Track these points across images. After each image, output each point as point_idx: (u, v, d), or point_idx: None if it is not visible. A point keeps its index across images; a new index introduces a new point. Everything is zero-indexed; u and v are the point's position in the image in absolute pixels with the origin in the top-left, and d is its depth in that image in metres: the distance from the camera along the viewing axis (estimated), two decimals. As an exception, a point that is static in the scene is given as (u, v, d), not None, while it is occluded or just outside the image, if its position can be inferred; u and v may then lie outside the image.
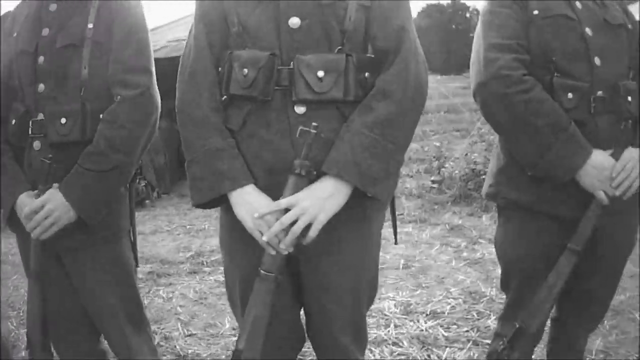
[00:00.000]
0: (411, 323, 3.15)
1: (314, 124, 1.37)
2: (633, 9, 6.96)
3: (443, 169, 7.03)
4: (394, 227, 1.73)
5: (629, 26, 1.81)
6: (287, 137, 1.42)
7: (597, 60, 1.69)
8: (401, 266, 4.17)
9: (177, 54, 5.93)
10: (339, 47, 1.45)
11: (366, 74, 1.46)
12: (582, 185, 1.64)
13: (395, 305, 3.39)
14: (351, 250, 1.53)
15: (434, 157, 7.64)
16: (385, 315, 3.27)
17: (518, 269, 1.83)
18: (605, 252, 1.77)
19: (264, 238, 1.38)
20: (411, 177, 7.82)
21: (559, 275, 1.66)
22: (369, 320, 3.22)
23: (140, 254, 4.81)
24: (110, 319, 1.85)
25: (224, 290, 2.05)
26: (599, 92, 1.69)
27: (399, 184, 7.65)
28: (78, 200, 1.66)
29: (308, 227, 1.38)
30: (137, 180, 1.85)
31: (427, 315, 3.26)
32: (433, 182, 6.92)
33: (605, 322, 2.98)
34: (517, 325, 1.71)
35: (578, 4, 1.75)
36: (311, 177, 1.39)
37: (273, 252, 1.40)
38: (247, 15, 1.48)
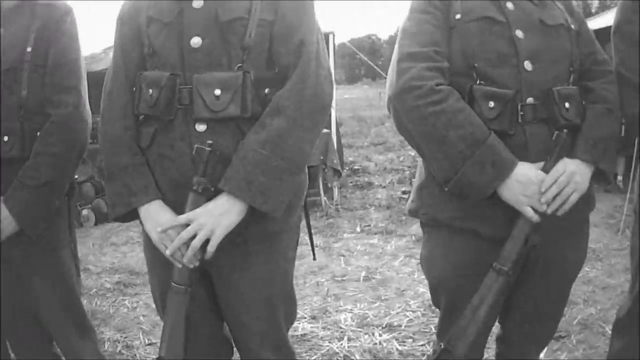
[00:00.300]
0: (366, 336, 3.21)
1: (209, 141, 1.45)
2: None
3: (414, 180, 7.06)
4: (311, 241, 1.84)
5: (572, 26, 1.70)
6: (188, 154, 1.49)
7: (527, 65, 1.58)
8: (362, 278, 4.23)
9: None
10: (239, 65, 1.50)
11: (266, 90, 1.52)
12: (506, 201, 1.53)
13: (351, 318, 3.46)
14: (259, 264, 1.60)
15: (408, 167, 7.74)
16: (341, 327, 3.34)
17: (444, 288, 1.73)
18: (551, 272, 1.68)
19: (167, 252, 1.48)
20: (384, 187, 7.85)
21: (483, 296, 1.55)
22: (324, 333, 3.30)
23: (111, 265, 4.90)
24: (55, 325, 1.98)
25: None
26: (529, 99, 1.57)
27: (370, 194, 7.66)
28: (19, 213, 1.76)
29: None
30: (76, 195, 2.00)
31: (383, 328, 3.32)
32: (404, 192, 6.95)
33: (572, 336, 3.01)
34: (442, 346, 1.62)
35: (510, 5, 1.63)
36: (208, 193, 1.46)
37: (179, 265, 1.50)
38: (155, 37, 1.56)
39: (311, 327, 3.42)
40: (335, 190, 6.72)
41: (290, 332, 3.33)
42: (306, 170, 1.65)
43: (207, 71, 1.49)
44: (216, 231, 1.45)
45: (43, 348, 2.06)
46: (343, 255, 4.85)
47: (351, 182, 8.14)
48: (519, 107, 1.56)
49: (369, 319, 3.45)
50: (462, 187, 1.53)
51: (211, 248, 1.46)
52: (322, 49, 1.58)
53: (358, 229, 5.69)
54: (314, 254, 1.87)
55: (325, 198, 6.50)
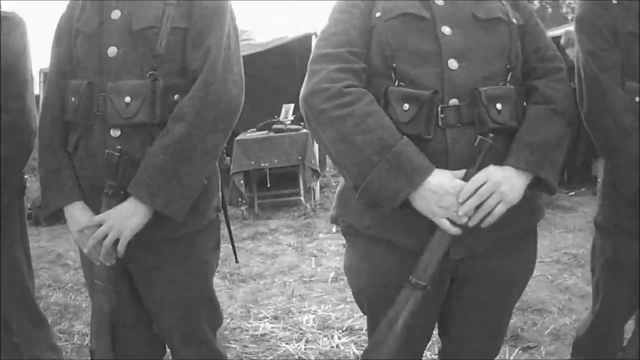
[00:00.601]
0: (325, 339, 3.17)
1: (118, 147, 1.53)
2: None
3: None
4: (232, 244, 1.90)
5: (514, 20, 1.57)
6: (104, 159, 1.55)
7: (452, 63, 1.45)
8: (330, 279, 4.19)
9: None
10: (151, 72, 1.57)
11: (175, 97, 1.58)
12: (420, 211, 1.41)
13: (313, 320, 3.43)
14: (173, 266, 1.67)
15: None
16: (301, 329, 3.31)
17: (365, 299, 1.66)
18: (488, 288, 1.59)
19: (85, 250, 1.59)
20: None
21: (399, 311, 1.45)
22: (283, 334, 3.28)
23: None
24: (11, 316, 2.16)
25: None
26: (452, 101, 1.44)
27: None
28: None
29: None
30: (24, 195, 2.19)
31: (343, 331, 3.28)
32: None
33: (542, 347, 2.97)
34: None
35: (439, 1, 1.53)
36: (119, 196, 1.55)
37: (97, 263, 1.60)
38: (80, 47, 1.63)
39: (272, 327, 3.40)
40: (317, 191, 6.68)
41: (250, 332, 3.37)
42: (218, 174, 1.74)
43: (122, 79, 1.57)
44: (124, 232, 1.53)
45: (5, 337, 2.21)
46: (315, 256, 4.82)
47: (335, 183, 8.10)
48: (439, 109, 1.43)
49: (330, 321, 3.42)
50: (371, 195, 1.43)
51: (120, 248, 1.55)
52: (234, 54, 1.62)
53: (334, 229, 5.65)
54: (235, 257, 1.95)
55: (302, 198, 6.47)
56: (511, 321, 3.27)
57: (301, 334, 3.25)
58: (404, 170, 1.38)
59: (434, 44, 1.47)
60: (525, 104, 1.54)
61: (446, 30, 1.48)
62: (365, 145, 1.39)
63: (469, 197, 1.38)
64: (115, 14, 1.60)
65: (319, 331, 3.28)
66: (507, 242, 1.54)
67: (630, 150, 1.64)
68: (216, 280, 4.34)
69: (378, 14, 1.51)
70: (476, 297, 1.60)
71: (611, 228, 1.85)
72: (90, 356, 1.66)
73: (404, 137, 1.40)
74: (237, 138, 6.17)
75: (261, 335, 3.31)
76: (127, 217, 1.53)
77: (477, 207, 1.39)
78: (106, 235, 1.53)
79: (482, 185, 1.38)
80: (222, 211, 1.80)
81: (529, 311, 3.45)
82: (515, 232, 1.55)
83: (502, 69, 1.50)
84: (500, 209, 1.40)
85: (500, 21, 1.53)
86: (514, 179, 1.42)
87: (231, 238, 1.91)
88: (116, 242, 1.54)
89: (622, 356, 1.81)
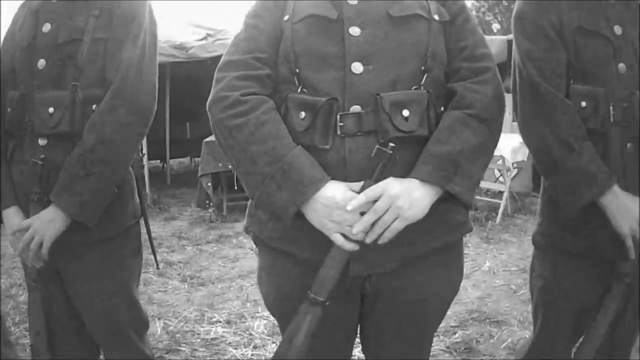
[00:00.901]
0: (273, 345, 3.12)
1: (42, 156, 1.62)
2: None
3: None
4: (153, 252, 1.96)
5: (436, 16, 1.44)
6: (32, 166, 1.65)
7: (355, 67, 1.35)
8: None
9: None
10: (73, 83, 1.64)
11: (93, 107, 1.64)
12: (314, 225, 1.34)
13: (265, 325, 3.37)
14: (92, 270, 1.74)
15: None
16: (251, 334, 3.27)
17: (273, 309, 1.58)
18: (403, 306, 1.48)
19: (16, 252, 1.68)
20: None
21: (298, 326, 1.36)
22: (233, 338, 3.25)
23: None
24: None
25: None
26: (354, 107, 1.34)
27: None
28: None
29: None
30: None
31: (294, 337, 3.23)
32: None
33: None
34: None
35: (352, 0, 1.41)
36: (44, 202, 1.63)
37: (29, 265, 1.69)
38: (18, 59, 1.72)
39: (223, 331, 3.36)
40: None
41: (202, 336, 3.32)
42: (132, 182, 1.79)
43: (48, 91, 1.65)
44: (46, 236, 1.61)
45: None
46: (277, 261, 4.73)
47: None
48: (338, 117, 1.34)
49: (281, 328, 3.36)
50: (265, 207, 1.36)
51: (44, 250, 1.63)
52: (148, 63, 1.68)
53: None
54: (157, 263, 2.05)
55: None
56: (466, 332, 3.30)
57: (250, 339, 3.21)
58: (295, 182, 1.30)
59: (339, 46, 1.37)
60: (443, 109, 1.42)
61: (354, 31, 1.37)
62: (259, 155, 1.33)
63: (363, 212, 1.28)
64: (46, 27, 1.68)
65: (268, 337, 3.23)
66: (418, 260, 1.43)
67: (572, 166, 1.54)
68: (176, 283, 4.29)
69: (286, 17, 1.44)
70: (387, 316, 1.50)
71: (550, 248, 1.74)
72: (31, 351, 1.76)
73: (298, 147, 1.33)
74: (206, 140, 6.06)
75: (212, 339, 3.27)
76: (49, 222, 1.62)
77: (375, 223, 1.29)
78: (33, 239, 1.62)
79: (378, 200, 1.28)
80: (143, 217, 1.86)
81: (486, 322, 3.43)
82: (427, 250, 1.43)
83: (415, 70, 1.38)
84: (397, 226, 1.29)
85: (419, 18, 1.42)
86: (415, 192, 1.30)
87: (151, 243, 1.97)
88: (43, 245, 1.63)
89: (575, 356, 1.63)
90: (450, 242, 1.48)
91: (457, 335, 3.24)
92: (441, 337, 3.20)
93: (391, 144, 1.28)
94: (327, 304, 1.34)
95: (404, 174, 1.31)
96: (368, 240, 1.29)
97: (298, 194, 1.30)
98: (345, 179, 1.32)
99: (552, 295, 1.75)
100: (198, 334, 3.35)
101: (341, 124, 1.33)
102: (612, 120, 1.58)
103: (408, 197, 1.28)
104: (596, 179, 1.52)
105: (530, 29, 1.62)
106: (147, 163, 6.99)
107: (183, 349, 3.17)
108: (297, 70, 1.39)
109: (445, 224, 1.44)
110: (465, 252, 4.99)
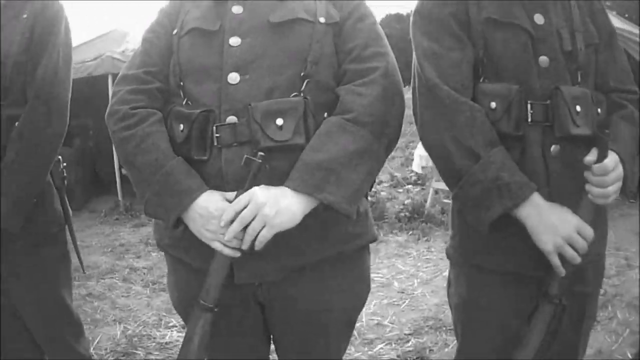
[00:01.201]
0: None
1: None
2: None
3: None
4: (78, 257, 1.97)
5: (321, 19, 1.41)
6: None
7: (232, 77, 1.35)
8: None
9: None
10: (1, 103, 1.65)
11: (16, 124, 1.66)
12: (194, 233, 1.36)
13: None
14: (26, 275, 1.78)
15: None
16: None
17: (179, 313, 1.62)
18: (302, 317, 1.47)
19: None
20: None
21: (192, 333, 1.36)
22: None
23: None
24: None
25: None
26: (230, 118, 1.34)
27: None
28: None
29: None
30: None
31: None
32: None
33: None
34: None
35: (235, 9, 1.42)
36: None
37: None
38: None
39: (178, 335, 3.39)
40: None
41: (157, 340, 3.33)
42: (51, 191, 1.81)
43: None
44: None
45: None
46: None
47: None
48: (215, 128, 1.35)
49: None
50: (151, 215, 1.41)
51: None
52: (62, 78, 1.70)
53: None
54: (82, 266, 2.04)
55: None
56: (420, 340, 3.31)
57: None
58: (172, 192, 1.33)
59: (219, 57, 1.38)
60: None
61: (234, 41, 1.38)
62: (144, 165, 1.36)
63: (238, 221, 1.28)
64: None
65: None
66: (312, 270, 1.42)
67: (479, 176, 1.37)
68: (138, 289, 4.31)
69: (175, 31, 1.47)
70: (287, 325, 1.50)
71: (464, 264, 1.57)
72: None
73: (177, 158, 1.35)
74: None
75: (166, 343, 3.30)
76: None
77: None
78: None
79: (243, 209, 1.28)
80: (67, 225, 1.90)
81: (442, 330, 3.41)
82: (318, 259, 1.41)
83: (294, 77, 1.37)
84: (265, 233, 1.28)
85: (301, 22, 1.40)
86: (284, 200, 1.28)
87: (76, 249, 1.98)
88: None
89: (515, 356, 1.44)
90: (345, 251, 1.45)
91: (410, 343, 3.22)
92: (393, 344, 3.22)
93: (260, 154, 1.28)
94: (215, 310, 1.35)
95: (282, 183, 1.31)
96: (243, 247, 1.30)
97: (176, 204, 1.33)
98: (224, 189, 1.34)
99: (469, 314, 1.60)
100: (154, 338, 3.38)
101: (217, 135, 1.34)
102: (529, 120, 1.41)
103: (275, 205, 1.27)
104: (508, 188, 1.35)
105: (430, 24, 1.47)
106: (119, 170, 6.97)
107: (139, 352, 3.20)
108: (182, 83, 1.42)
109: (337, 234, 1.42)
110: (427, 257, 4.99)
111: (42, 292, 1.81)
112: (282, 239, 1.30)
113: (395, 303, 3.82)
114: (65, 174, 1.86)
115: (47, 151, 1.73)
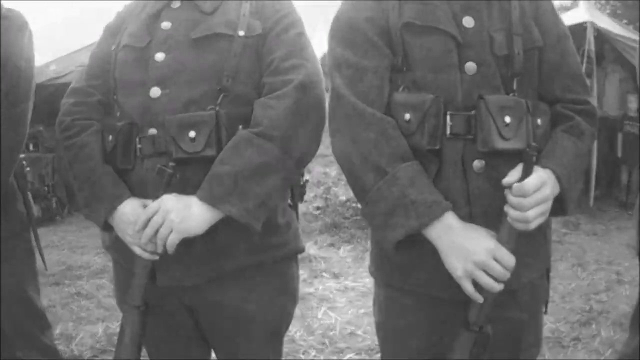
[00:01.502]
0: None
1: None
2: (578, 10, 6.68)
3: (328, 196, 6.93)
4: (42, 257, 2.01)
5: (241, 32, 1.46)
6: None
7: (154, 92, 1.45)
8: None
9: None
10: None
11: None
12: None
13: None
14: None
15: (332, 182, 7.66)
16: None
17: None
18: (223, 322, 1.56)
19: None
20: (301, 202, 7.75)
21: (124, 330, 1.49)
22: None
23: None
24: None
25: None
26: (151, 130, 1.45)
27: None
28: None
29: None
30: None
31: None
32: (317, 208, 6.81)
33: None
34: None
35: (165, 25, 1.50)
36: None
37: None
38: None
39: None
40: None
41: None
42: (14, 193, 1.85)
43: None
44: None
45: None
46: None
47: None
48: (138, 139, 1.46)
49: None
50: (88, 219, 1.54)
51: None
52: (25, 91, 1.71)
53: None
54: (44, 264, 2.06)
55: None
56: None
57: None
58: (100, 198, 1.46)
59: (145, 72, 1.47)
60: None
61: (159, 56, 1.46)
62: (79, 173, 1.50)
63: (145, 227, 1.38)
64: None
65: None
66: (234, 278, 1.49)
67: (385, 193, 1.27)
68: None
69: (113, 47, 1.56)
70: (214, 330, 1.59)
71: (380, 282, 1.52)
72: None
73: (106, 166, 1.48)
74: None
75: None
76: None
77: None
78: None
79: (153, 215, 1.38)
80: (30, 225, 1.93)
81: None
82: (236, 268, 1.48)
83: (211, 91, 1.43)
84: (173, 238, 1.36)
85: (220, 36, 1.46)
86: (190, 209, 1.36)
87: (39, 247, 2.00)
88: None
89: (450, 356, 1.35)
90: (265, 262, 1.52)
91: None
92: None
93: (171, 164, 1.38)
94: (141, 309, 1.46)
95: (196, 192, 1.39)
96: (158, 250, 1.39)
97: (102, 210, 1.46)
98: (147, 196, 1.43)
99: (387, 335, 1.55)
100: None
101: (139, 146, 1.47)
102: (448, 133, 1.30)
103: (181, 212, 1.35)
104: (415, 207, 1.24)
105: (345, 31, 1.40)
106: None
107: (111, 349, 3.27)
108: (115, 97, 1.53)
109: (251, 244, 1.47)
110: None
111: (6, 287, 1.85)
112: (200, 245, 1.42)
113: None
114: (28, 179, 1.92)
115: (7, 157, 1.76)
